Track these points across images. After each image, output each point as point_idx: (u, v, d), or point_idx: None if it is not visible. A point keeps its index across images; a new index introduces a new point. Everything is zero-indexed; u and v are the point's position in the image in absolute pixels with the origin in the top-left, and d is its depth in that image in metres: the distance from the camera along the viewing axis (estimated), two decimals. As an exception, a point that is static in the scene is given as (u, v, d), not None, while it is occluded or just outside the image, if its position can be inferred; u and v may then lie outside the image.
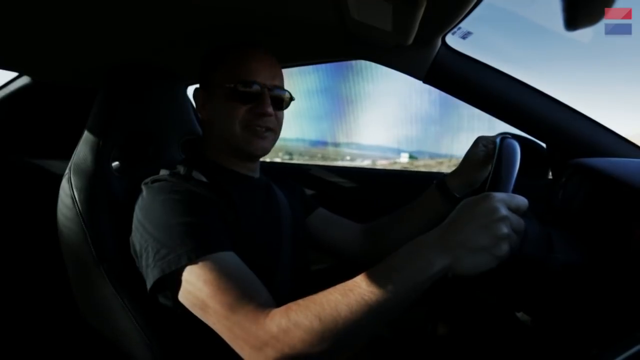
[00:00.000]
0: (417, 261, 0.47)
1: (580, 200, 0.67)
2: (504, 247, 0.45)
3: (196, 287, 0.53)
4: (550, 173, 0.93)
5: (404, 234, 0.79)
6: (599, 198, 0.63)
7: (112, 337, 0.71)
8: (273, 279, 0.56)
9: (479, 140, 0.80)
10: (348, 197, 1.28)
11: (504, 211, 0.45)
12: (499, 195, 0.47)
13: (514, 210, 0.47)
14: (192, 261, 0.54)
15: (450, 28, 0.80)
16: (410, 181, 1.25)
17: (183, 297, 0.56)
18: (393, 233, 0.83)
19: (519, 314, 0.74)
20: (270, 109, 0.69)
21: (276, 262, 0.69)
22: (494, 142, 0.73)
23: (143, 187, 0.64)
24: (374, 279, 0.48)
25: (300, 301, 0.50)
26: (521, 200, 0.48)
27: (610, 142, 0.85)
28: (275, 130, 0.73)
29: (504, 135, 0.72)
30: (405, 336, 0.90)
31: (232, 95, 0.67)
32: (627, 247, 0.52)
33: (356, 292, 0.47)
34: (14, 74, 1.19)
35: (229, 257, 0.56)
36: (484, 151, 0.78)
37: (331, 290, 0.49)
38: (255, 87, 0.67)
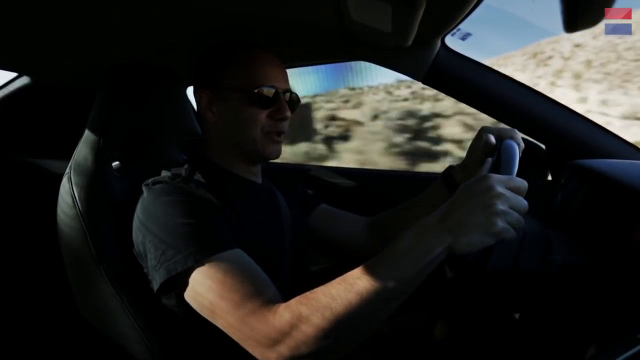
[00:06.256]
0: (420, 243, 0.48)
1: (580, 202, 0.67)
2: (500, 224, 0.45)
3: (204, 288, 0.53)
4: (550, 174, 0.94)
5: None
6: (598, 199, 0.63)
7: (112, 337, 0.71)
8: (274, 284, 0.56)
9: (482, 131, 0.78)
10: (348, 198, 1.28)
11: (499, 189, 0.47)
12: (497, 175, 0.48)
13: (514, 190, 0.48)
14: (198, 262, 0.53)
15: (449, 29, 0.80)
16: (411, 182, 1.25)
17: (190, 298, 0.55)
18: (399, 225, 0.81)
19: (517, 316, 0.74)
20: (289, 113, 0.69)
21: (277, 268, 0.68)
22: (497, 136, 0.71)
23: (144, 188, 0.64)
24: (380, 265, 0.49)
25: (308, 294, 0.50)
26: (520, 181, 0.49)
27: (610, 143, 0.85)
28: (286, 133, 0.72)
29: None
30: (405, 337, 0.90)
31: (252, 101, 0.66)
32: (626, 248, 0.52)
33: (364, 279, 0.48)
34: (14, 74, 1.19)
35: (235, 255, 0.56)
36: (486, 141, 0.75)
37: (338, 280, 0.50)
38: (274, 93, 0.67)
